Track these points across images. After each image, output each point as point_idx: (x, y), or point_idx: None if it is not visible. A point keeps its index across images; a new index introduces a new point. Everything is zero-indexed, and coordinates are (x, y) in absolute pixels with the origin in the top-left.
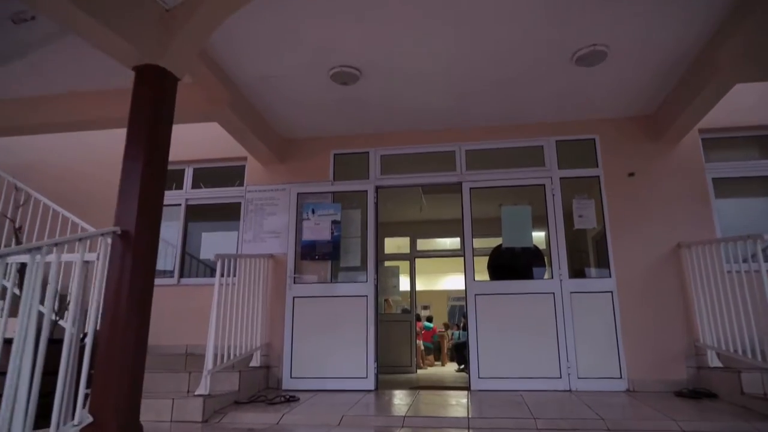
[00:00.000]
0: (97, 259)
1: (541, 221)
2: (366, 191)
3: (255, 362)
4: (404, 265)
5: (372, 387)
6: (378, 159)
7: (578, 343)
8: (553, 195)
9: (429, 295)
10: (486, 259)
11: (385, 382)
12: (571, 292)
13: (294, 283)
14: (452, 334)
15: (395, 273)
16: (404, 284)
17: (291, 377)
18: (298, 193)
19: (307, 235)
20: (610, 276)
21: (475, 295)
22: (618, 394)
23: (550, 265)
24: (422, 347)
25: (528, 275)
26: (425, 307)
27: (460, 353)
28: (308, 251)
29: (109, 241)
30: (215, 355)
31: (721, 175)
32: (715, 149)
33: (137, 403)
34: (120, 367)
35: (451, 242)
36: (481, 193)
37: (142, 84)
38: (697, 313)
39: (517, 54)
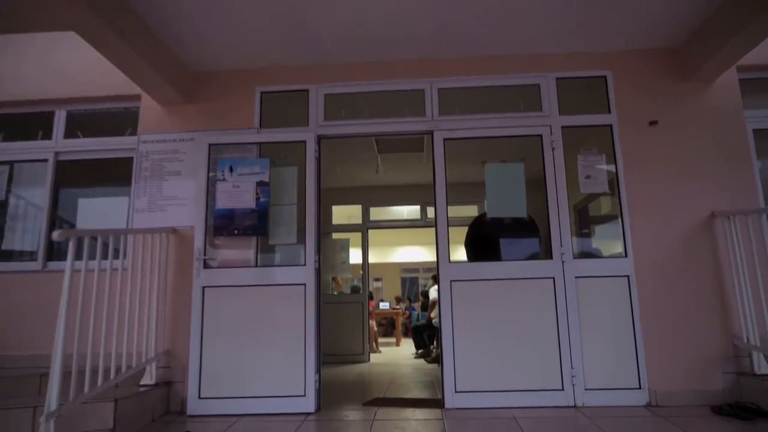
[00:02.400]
0: None
1: (536, 185)
2: (304, 142)
3: (149, 379)
4: (355, 237)
5: (312, 408)
6: (321, 99)
7: (586, 343)
8: (553, 149)
9: (381, 267)
10: (463, 232)
11: (330, 391)
12: (577, 277)
13: (204, 267)
14: (405, 308)
15: (345, 247)
16: (355, 257)
17: (199, 398)
18: (210, 145)
19: (223, 202)
20: (626, 255)
21: (451, 281)
22: (637, 410)
23: (549, 242)
24: (375, 328)
25: (520, 255)
26: (377, 279)
27: (419, 336)
28: (224, 224)
29: None
30: (74, 379)
31: (765, 126)
32: (758, 92)
33: None
34: None
35: (409, 211)
36: (459, 148)
37: None
38: (739, 304)
39: None
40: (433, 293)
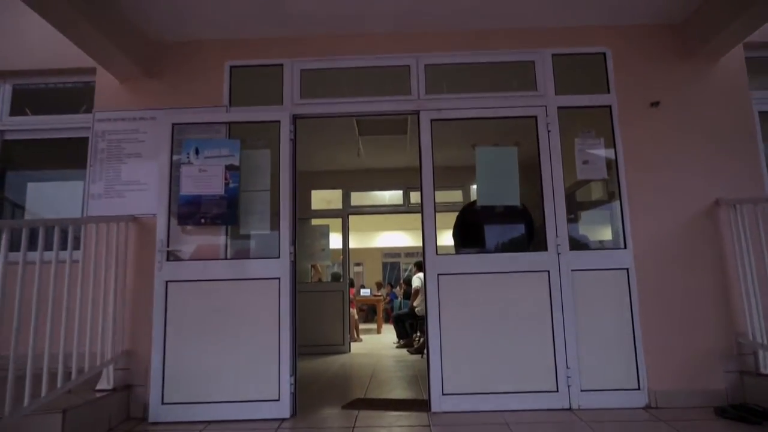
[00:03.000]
0: None
1: (526, 170)
2: (278, 122)
3: (106, 383)
4: (335, 222)
5: (287, 413)
6: (296, 75)
7: (582, 341)
8: (549, 131)
9: (361, 252)
10: (447, 218)
11: (308, 390)
12: (573, 270)
13: (168, 260)
14: (386, 294)
15: (324, 233)
16: (335, 242)
17: (163, 403)
18: (173, 124)
19: (189, 188)
20: (625, 247)
21: (438, 275)
22: (636, 413)
23: (544, 232)
24: (356, 316)
25: (513, 246)
26: (357, 264)
27: (401, 325)
28: (190, 212)
29: None
30: (10, 388)
31: None
32: (766, 72)
33: None
34: None
35: (392, 196)
36: (446, 130)
37: None
38: (744, 298)
39: None
40: (416, 281)
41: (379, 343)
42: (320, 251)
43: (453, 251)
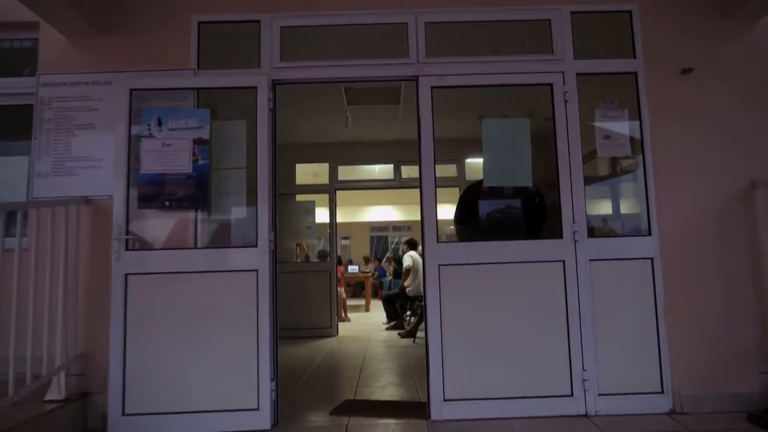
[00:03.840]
0: None
1: (539, 142)
2: (255, 89)
3: (56, 393)
4: (322, 198)
5: (268, 423)
6: (276, 33)
7: (600, 340)
8: (566, 101)
9: (349, 226)
10: (445, 197)
11: (291, 388)
12: (591, 260)
13: (127, 249)
14: (375, 269)
15: (310, 210)
16: (321, 216)
17: (123, 414)
18: (132, 90)
19: (150, 165)
20: (650, 234)
21: (439, 266)
22: (659, 419)
23: (559, 217)
24: (344, 295)
25: (524, 233)
26: (345, 238)
27: (391, 306)
28: (152, 193)
29: None
30: None
31: None
32: None
33: None
34: None
35: (382, 170)
36: (444, 97)
37: None
38: None
39: None
40: (407, 260)
41: (367, 323)
42: (306, 229)
43: (450, 229)
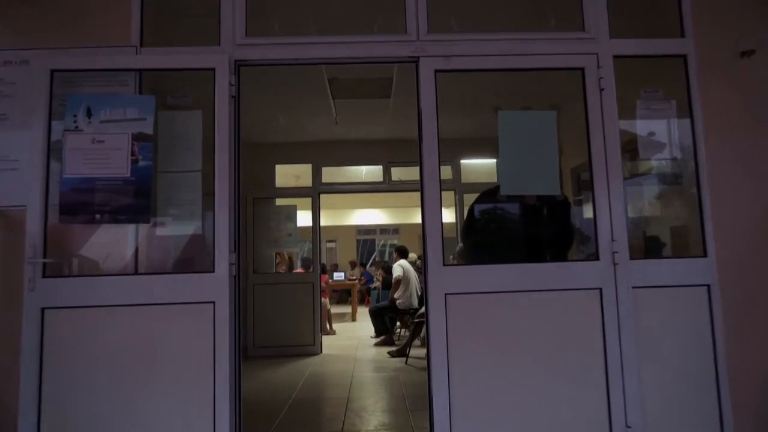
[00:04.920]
0: None
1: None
2: (213, 70)
3: None
4: (304, 201)
5: None
6: (241, 1)
7: (646, 386)
8: (601, 89)
9: (334, 230)
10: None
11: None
12: (634, 288)
13: (44, 275)
14: (361, 275)
15: (291, 215)
16: (304, 220)
17: None
18: (53, 72)
19: (77, 167)
20: (706, 255)
21: (446, 295)
22: None
23: (595, 236)
24: (328, 306)
25: (550, 254)
26: (330, 241)
27: (380, 320)
28: (78, 202)
29: None
30: None
31: None
32: None
33: None
34: None
35: (369, 172)
36: (458, 84)
37: None
38: None
39: None
40: (397, 270)
41: (354, 336)
42: (286, 236)
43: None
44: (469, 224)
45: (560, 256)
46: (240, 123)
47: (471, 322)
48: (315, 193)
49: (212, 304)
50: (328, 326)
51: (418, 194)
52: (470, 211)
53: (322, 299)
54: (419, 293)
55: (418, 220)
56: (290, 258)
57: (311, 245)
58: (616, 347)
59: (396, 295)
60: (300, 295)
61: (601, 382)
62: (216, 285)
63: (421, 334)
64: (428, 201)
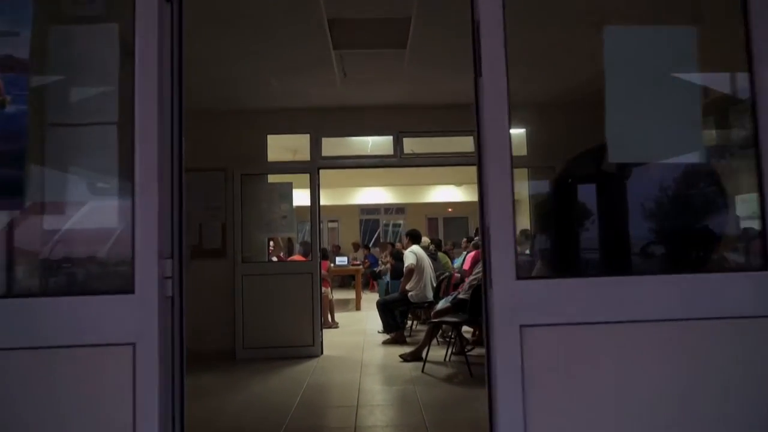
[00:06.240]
0: None
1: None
2: None
3: None
4: (301, 178)
5: None
6: None
7: None
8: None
9: (335, 209)
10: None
11: None
12: None
13: None
14: (365, 257)
15: (286, 194)
16: (301, 198)
17: None
18: None
19: None
20: None
21: (521, 327)
22: None
23: (763, 232)
24: (330, 296)
25: (693, 259)
26: (332, 221)
27: (389, 314)
28: None
29: None
30: None
31: None
32: None
33: None
34: None
35: (377, 144)
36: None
37: None
38: None
39: None
40: (409, 257)
41: (359, 330)
42: (280, 219)
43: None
44: (559, 205)
45: (704, 260)
46: (183, 46)
47: (570, 377)
48: (314, 168)
49: (131, 346)
50: (330, 319)
51: (425, 170)
52: (554, 185)
53: (323, 289)
54: (434, 284)
55: (426, 199)
56: (290, 241)
57: (310, 227)
58: None
59: (408, 287)
60: (297, 287)
61: None
62: (137, 314)
63: (438, 336)
64: (491, 171)
